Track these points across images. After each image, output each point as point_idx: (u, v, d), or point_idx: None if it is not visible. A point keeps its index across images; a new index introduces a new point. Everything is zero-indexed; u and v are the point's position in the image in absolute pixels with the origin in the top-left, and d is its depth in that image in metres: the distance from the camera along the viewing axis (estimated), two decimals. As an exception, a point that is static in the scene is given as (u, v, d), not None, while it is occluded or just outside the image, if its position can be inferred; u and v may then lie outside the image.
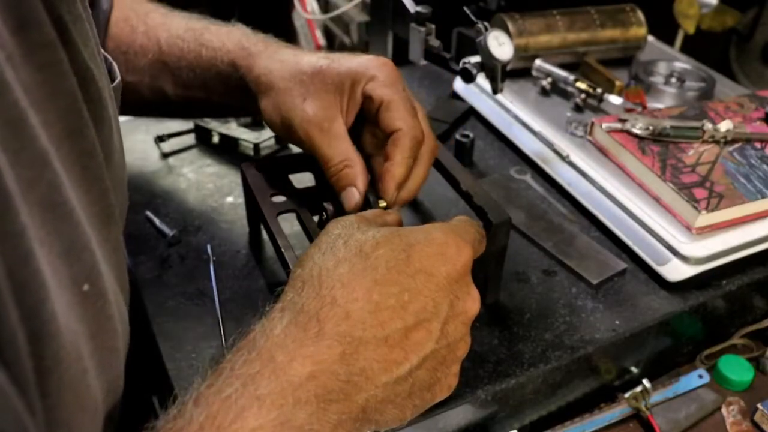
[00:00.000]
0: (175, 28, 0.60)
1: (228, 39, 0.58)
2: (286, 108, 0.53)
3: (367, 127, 0.55)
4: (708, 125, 0.69)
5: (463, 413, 0.51)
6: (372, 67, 0.53)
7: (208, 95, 0.60)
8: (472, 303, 0.41)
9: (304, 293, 0.37)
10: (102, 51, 0.41)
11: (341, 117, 0.53)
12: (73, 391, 0.30)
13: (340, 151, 0.52)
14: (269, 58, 0.55)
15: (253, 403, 0.33)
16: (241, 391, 0.33)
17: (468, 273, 0.41)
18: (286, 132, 0.54)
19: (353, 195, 0.52)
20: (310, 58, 0.54)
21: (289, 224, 0.60)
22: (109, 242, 0.37)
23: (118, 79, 0.44)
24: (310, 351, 0.35)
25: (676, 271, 0.60)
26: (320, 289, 0.37)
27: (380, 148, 0.54)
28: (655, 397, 0.59)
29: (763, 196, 0.62)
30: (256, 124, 0.79)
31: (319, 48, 1.05)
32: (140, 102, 0.63)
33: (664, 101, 0.83)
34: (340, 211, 0.53)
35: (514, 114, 0.80)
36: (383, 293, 0.37)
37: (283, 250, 0.52)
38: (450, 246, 0.40)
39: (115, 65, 0.45)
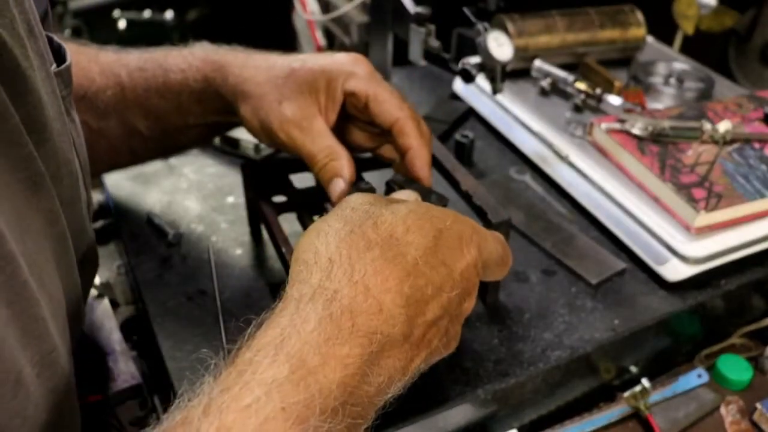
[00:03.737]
0: (133, 61, 0.59)
1: (194, 58, 0.57)
2: (264, 113, 0.53)
3: (355, 123, 0.56)
4: (707, 125, 0.69)
5: (463, 412, 0.52)
6: (347, 64, 0.54)
7: (184, 119, 0.59)
8: (471, 304, 0.41)
9: (334, 276, 0.35)
10: (44, 32, 0.40)
11: (320, 116, 0.53)
12: None
13: (324, 145, 0.52)
14: (241, 66, 0.55)
15: (278, 415, 0.29)
16: (264, 401, 0.29)
17: (476, 274, 0.41)
18: (267, 136, 0.54)
19: (338, 185, 0.52)
20: (283, 62, 0.55)
21: (289, 224, 0.60)
22: (41, 212, 0.36)
23: (67, 62, 0.43)
24: (343, 352, 0.32)
25: (675, 270, 0.60)
26: (352, 273, 0.35)
27: (373, 141, 0.56)
28: (655, 396, 0.59)
29: (762, 196, 0.63)
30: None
31: (319, 48, 1.05)
32: (113, 149, 0.61)
33: (663, 102, 0.83)
34: None
35: (513, 114, 0.80)
36: (413, 286, 0.36)
37: (283, 249, 0.52)
38: (468, 243, 0.40)
39: (65, 48, 0.44)
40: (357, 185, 0.52)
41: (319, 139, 0.52)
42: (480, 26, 0.70)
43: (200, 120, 0.59)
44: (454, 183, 0.57)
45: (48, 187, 0.37)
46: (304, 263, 0.36)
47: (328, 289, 0.34)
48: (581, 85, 0.80)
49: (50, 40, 0.45)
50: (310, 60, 0.54)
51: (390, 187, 0.53)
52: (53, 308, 0.36)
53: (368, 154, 0.61)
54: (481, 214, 0.53)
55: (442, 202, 0.51)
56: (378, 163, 0.61)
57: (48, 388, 0.35)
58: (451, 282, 0.38)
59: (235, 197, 0.70)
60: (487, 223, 0.52)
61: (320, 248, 0.36)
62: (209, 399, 0.30)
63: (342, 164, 0.52)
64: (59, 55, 0.43)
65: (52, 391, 0.36)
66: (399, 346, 0.35)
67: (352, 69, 0.53)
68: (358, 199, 0.40)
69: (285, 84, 0.53)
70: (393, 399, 0.37)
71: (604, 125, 0.71)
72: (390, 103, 0.52)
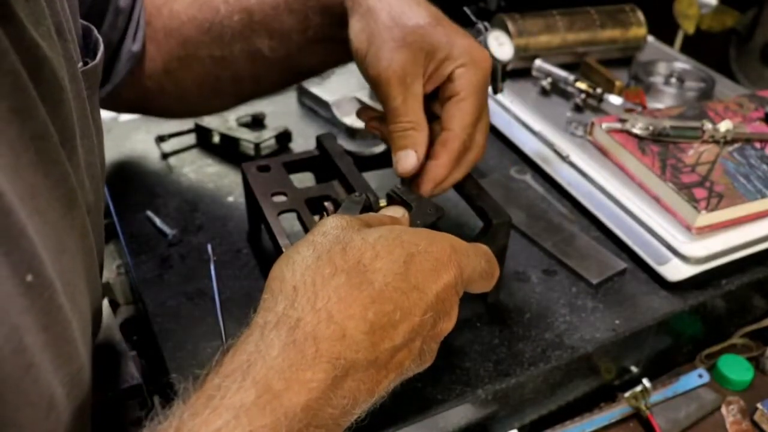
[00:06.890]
0: None
1: None
2: (377, 45, 0.51)
3: (430, 101, 0.54)
4: (708, 125, 0.69)
5: (464, 412, 0.51)
6: (470, 55, 0.52)
7: (305, 34, 0.59)
8: (450, 324, 0.40)
9: (298, 304, 0.35)
10: (72, 31, 0.39)
11: (422, 80, 0.51)
12: (13, 387, 0.29)
13: (413, 111, 0.51)
14: None
15: None
16: (234, 425, 0.30)
17: (455, 294, 0.40)
18: (363, 64, 0.52)
19: (410, 158, 0.50)
20: (419, 12, 0.52)
21: (289, 224, 0.60)
22: (75, 228, 0.36)
23: (96, 60, 0.42)
24: (306, 377, 0.33)
25: (676, 270, 0.60)
26: (315, 300, 0.35)
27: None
28: (655, 396, 0.59)
29: (763, 196, 0.63)
30: (256, 124, 0.79)
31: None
32: (237, 79, 0.63)
33: (664, 101, 0.83)
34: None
35: (514, 114, 0.80)
36: (378, 312, 0.36)
37: (284, 249, 0.52)
38: (446, 264, 0.39)
39: (100, 44, 0.43)
40: (349, 196, 0.52)
41: (411, 101, 0.51)
42: (480, 26, 0.69)
43: (319, 34, 0.59)
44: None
45: (80, 202, 0.37)
46: (270, 291, 0.37)
47: (291, 317, 0.35)
48: (582, 85, 0.80)
49: (89, 33, 0.45)
50: (443, 27, 0.52)
51: (390, 198, 0.52)
52: (82, 326, 0.37)
53: (372, 152, 0.61)
54: (481, 213, 0.53)
55: (438, 213, 0.50)
56: (380, 163, 0.61)
57: (75, 406, 0.36)
58: (423, 305, 0.37)
59: (236, 197, 0.70)
60: (488, 223, 0.52)
61: (287, 275, 0.37)
62: (180, 422, 0.30)
63: (422, 139, 0.51)
64: (90, 51, 0.43)
65: (78, 407, 0.36)
66: (363, 370, 0.35)
67: (471, 61, 0.51)
68: (331, 222, 0.40)
69: (410, 33, 0.51)
70: (366, 412, 0.37)
71: (604, 125, 0.71)
72: (462, 113, 0.51)
